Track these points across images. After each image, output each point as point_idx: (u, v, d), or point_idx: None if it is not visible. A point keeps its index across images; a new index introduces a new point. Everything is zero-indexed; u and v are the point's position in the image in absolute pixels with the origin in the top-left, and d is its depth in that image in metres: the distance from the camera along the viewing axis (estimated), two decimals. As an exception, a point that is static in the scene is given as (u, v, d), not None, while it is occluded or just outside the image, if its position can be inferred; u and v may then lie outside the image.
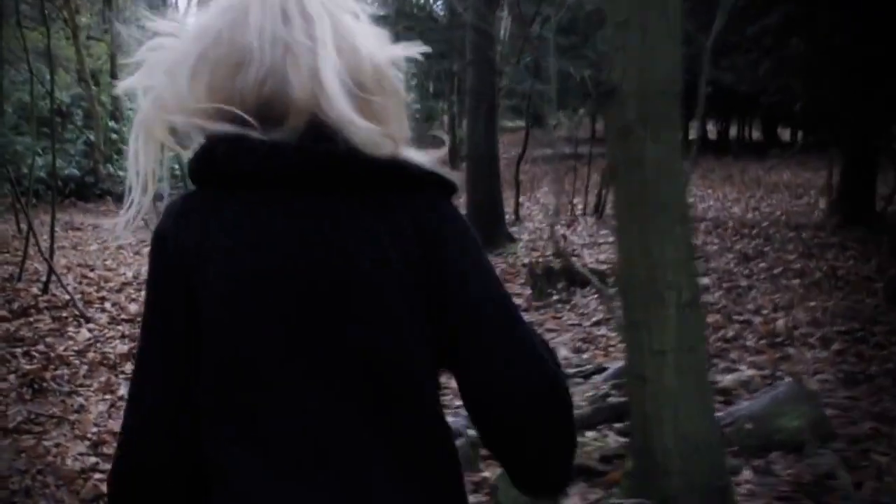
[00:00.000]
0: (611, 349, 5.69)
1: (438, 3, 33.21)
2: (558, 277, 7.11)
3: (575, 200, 15.24)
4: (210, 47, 1.12)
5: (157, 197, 1.21)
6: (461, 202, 13.18)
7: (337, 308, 1.08)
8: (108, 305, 7.78)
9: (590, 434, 3.96)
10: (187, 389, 1.10)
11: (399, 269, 1.09)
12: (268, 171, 1.09)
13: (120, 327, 6.98)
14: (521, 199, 13.87)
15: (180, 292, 1.10)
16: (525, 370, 1.10)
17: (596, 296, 6.99)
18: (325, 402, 1.08)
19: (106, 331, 6.88)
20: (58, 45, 21.69)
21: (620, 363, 5.01)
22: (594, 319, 6.40)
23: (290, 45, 1.09)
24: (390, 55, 1.16)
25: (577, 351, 5.67)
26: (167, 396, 1.11)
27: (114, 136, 20.23)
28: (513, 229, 10.71)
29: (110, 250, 11.60)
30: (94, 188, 18.20)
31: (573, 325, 6.33)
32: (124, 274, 9.41)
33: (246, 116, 1.08)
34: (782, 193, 14.56)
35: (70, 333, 6.80)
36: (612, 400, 4.26)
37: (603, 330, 6.13)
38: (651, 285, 3.14)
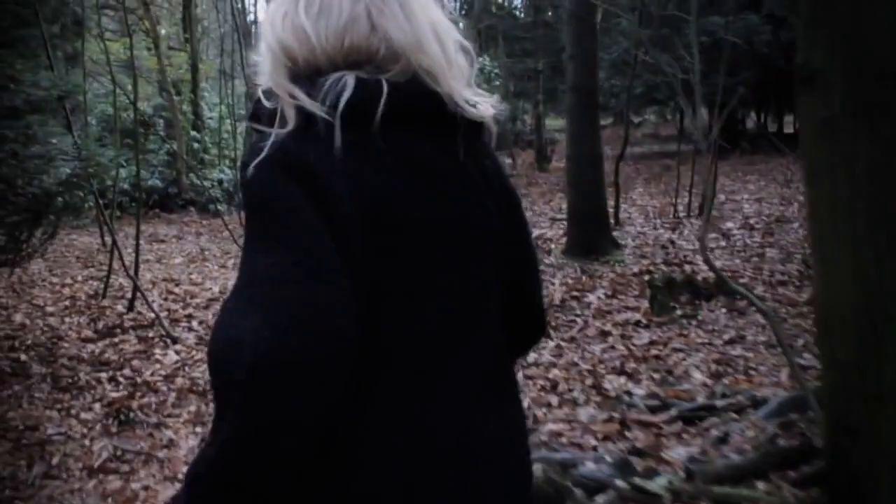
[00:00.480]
0: (752, 373, 5.02)
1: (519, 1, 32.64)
2: (681, 289, 6.45)
3: (667, 200, 14.50)
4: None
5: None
6: (553, 203, 12.60)
7: (459, 247, 1.20)
8: (195, 324, 7.39)
9: (760, 486, 3.33)
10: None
11: (493, 213, 1.26)
12: (400, 110, 1.14)
13: (208, 349, 6.57)
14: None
15: (321, 213, 1.08)
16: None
17: (725, 310, 6.33)
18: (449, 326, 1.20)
19: (194, 352, 6.47)
20: (139, 56, 21.77)
21: (775, 392, 4.38)
22: (726, 337, 5.72)
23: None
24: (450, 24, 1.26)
25: (715, 376, 5.00)
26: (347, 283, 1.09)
27: (195, 145, 20.12)
28: (614, 234, 10.02)
29: (196, 263, 11.31)
30: (178, 199, 18.07)
31: (703, 343, 5.66)
32: (210, 289, 9.03)
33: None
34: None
35: (157, 356, 6.41)
36: (781, 443, 3.61)
37: (739, 350, 5.46)
38: (865, 316, 2.52)
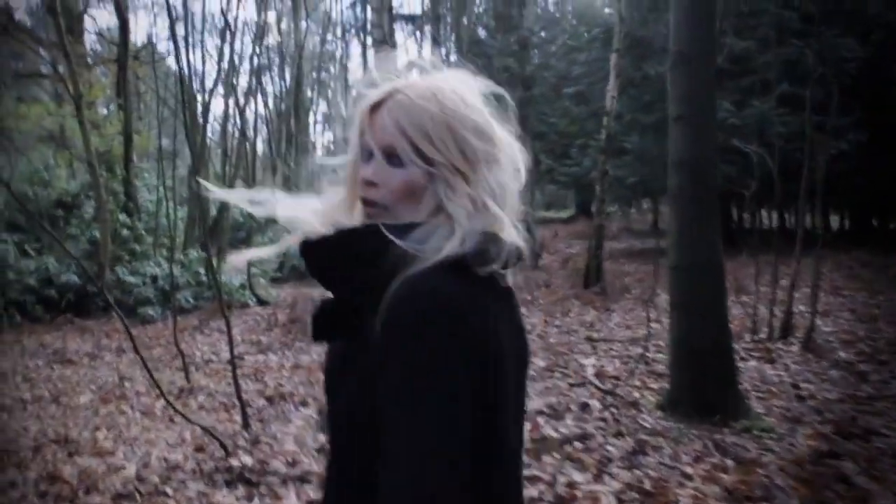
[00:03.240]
0: None
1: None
2: None
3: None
4: None
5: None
6: (573, 314, 9.68)
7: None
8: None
9: None
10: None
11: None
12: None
13: None
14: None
15: (478, 371, 1.21)
16: None
17: None
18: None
19: None
20: (66, 127, 18.43)
21: None
22: None
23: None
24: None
25: None
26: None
27: (125, 232, 16.75)
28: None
29: (110, 405, 7.94)
30: (98, 299, 14.56)
31: None
32: (123, 466, 5.71)
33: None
34: None
35: None
36: None
37: None
38: None
